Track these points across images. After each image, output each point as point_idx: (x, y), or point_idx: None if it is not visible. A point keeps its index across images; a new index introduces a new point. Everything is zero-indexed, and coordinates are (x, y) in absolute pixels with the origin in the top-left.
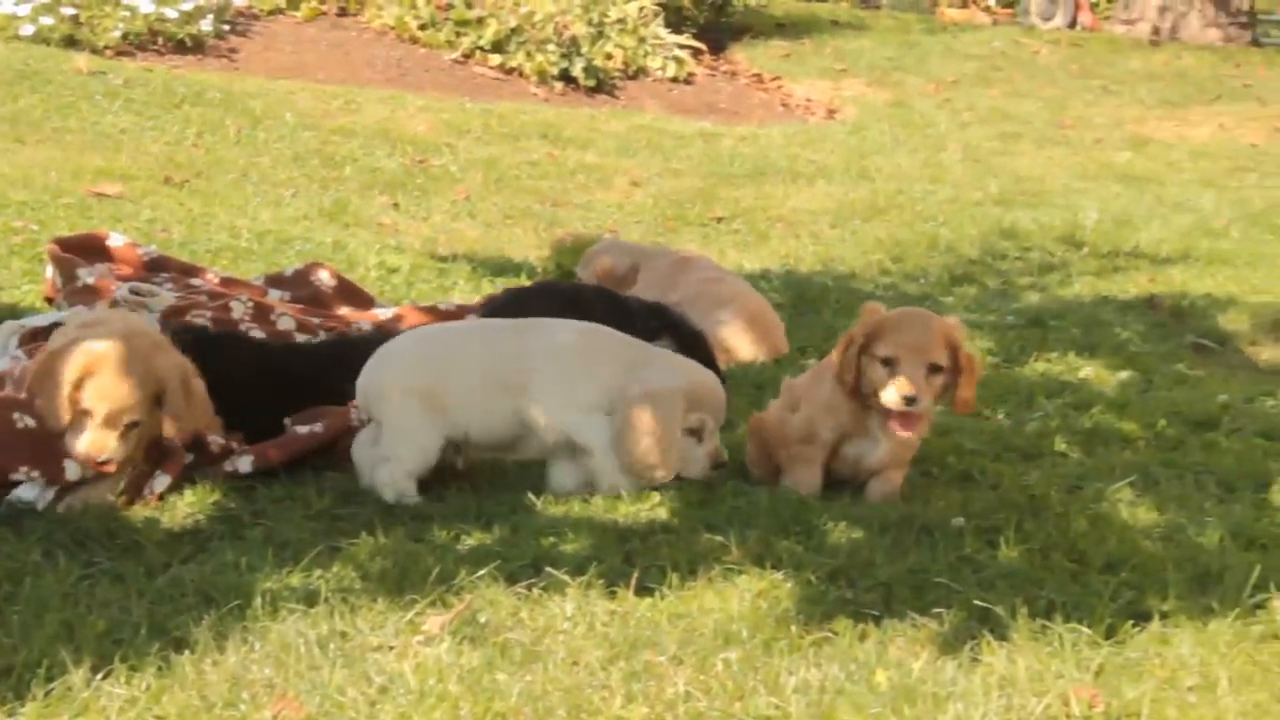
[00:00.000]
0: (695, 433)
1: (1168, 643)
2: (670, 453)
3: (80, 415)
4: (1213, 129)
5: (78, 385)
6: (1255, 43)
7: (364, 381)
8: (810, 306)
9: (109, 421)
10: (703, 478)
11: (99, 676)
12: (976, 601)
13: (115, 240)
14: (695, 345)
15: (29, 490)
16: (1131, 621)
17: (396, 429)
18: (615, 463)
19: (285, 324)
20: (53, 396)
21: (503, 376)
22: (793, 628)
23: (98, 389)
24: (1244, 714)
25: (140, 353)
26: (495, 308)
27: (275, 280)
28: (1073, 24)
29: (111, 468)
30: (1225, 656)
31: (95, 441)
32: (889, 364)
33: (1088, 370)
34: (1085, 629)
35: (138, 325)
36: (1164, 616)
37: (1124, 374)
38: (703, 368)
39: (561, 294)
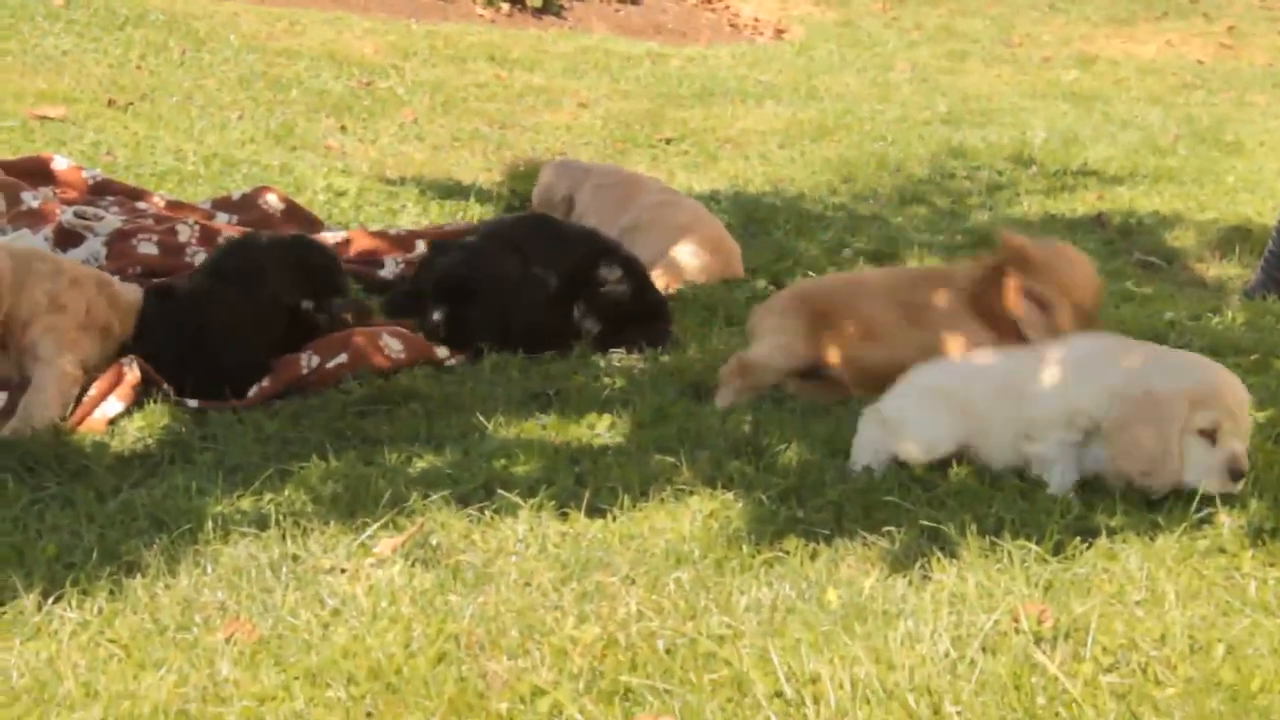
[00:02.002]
0: (1208, 435)
1: (1115, 558)
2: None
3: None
4: (1159, 45)
5: None
6: None
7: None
8: (760, 227)
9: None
10: (1220, 490)
11: (50, 601)
12: (926, 520)
13: (59, 163)
14: (631, 271)
15: None
16: (1079, 538)
17: None
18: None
19: None
20: None
21: None
22: (744, 547)
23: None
24: (1190, 627)
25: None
26: (442, 254)
27: (222, 204)
28: None
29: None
30: (1171, 571)
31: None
32: None
33: None
34: (1034, 546)
35: None
36: (1111, 533)
37: None
38: (1213, 365)
39: (501, 234)
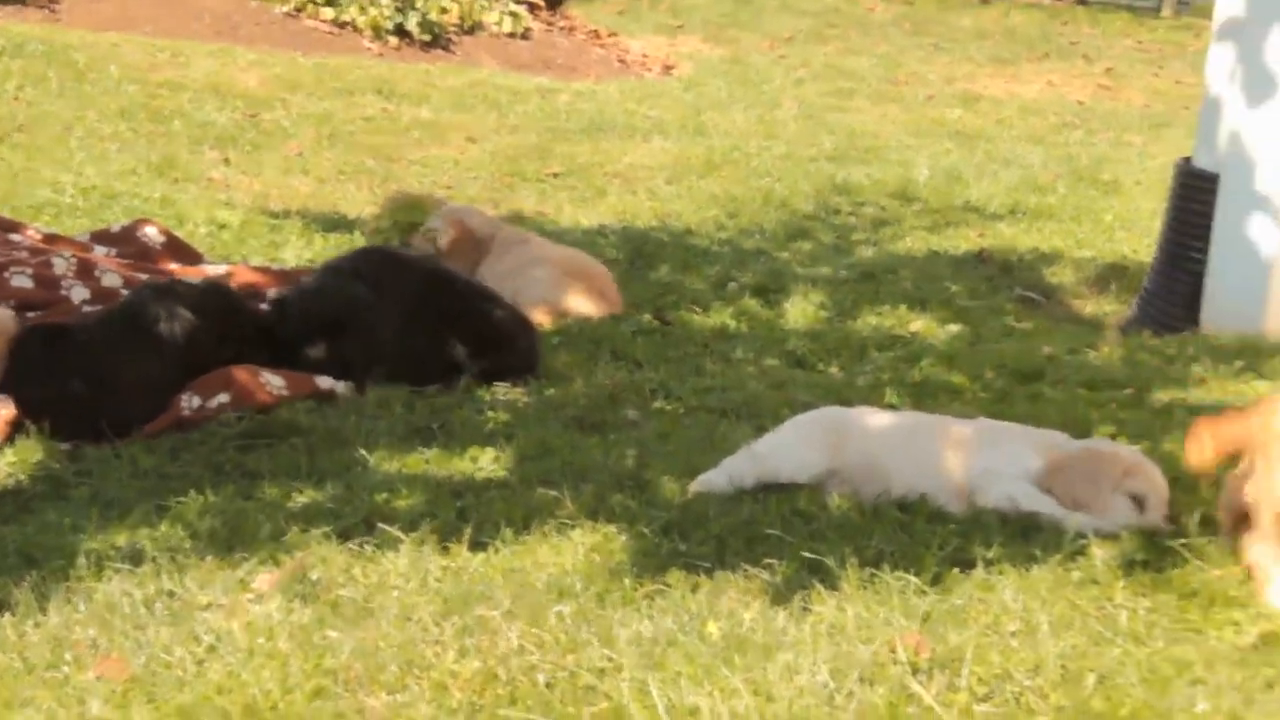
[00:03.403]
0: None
1: (991, 589)
2: None
3: None
4: (1041, 86)
5: None
6: (1082, 2)
7: None
8: (647, 262)
9: None
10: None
11: None
12: (807, 553)
13: None
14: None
15: None
16: (957, 569)
17: None
18: None
19: (110, 280)
20: None
21: None
22: (626, 580)
23: None
24: (1063, 656)
25: None
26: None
27: (101, 236)
28: None
29: None
30: (1046, 602)
31: None
32: None
33: (918, 324)
34: (912, 577)
35: None
36: (988, 564)
37: (954, 327)
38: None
39: (345, 268)
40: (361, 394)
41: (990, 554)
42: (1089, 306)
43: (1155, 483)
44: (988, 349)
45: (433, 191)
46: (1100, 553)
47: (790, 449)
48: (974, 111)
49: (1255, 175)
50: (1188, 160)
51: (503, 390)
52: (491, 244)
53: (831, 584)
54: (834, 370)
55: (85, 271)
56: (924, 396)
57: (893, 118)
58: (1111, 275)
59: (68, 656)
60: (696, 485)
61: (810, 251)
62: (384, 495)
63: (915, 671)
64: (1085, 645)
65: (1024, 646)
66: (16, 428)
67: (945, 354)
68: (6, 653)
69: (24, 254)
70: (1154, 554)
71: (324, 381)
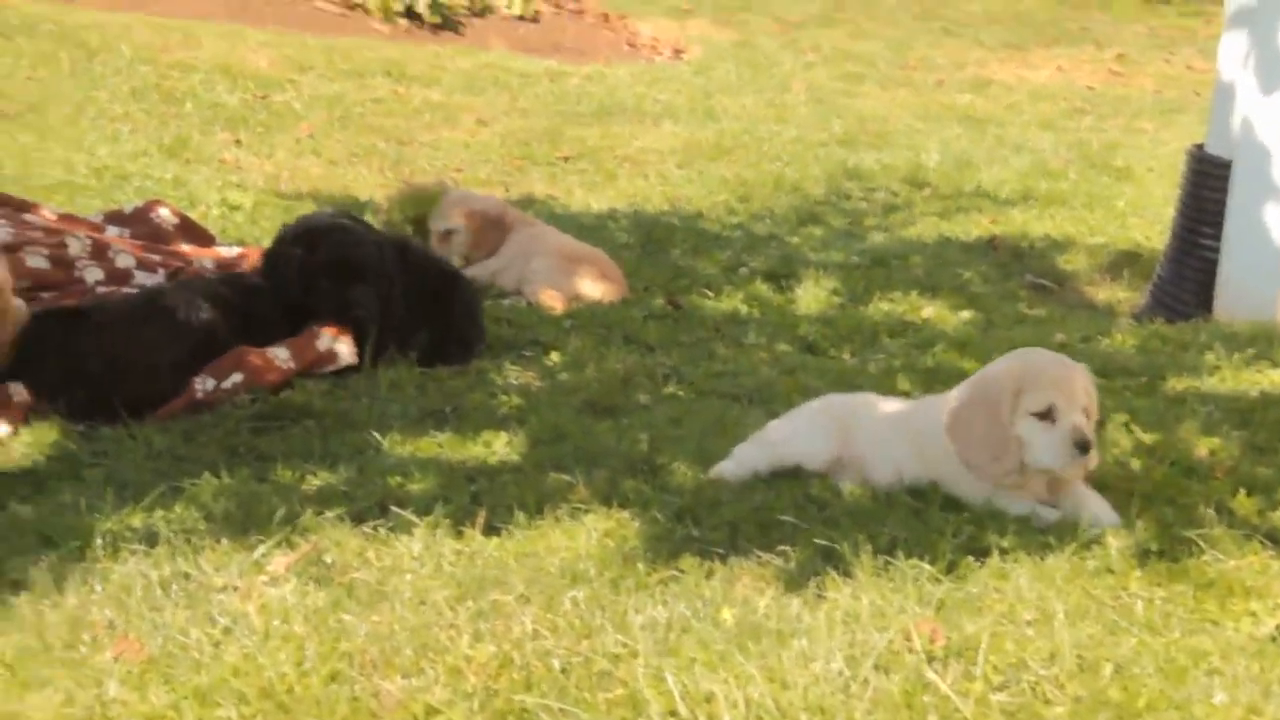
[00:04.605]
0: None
1: (1006, 578)
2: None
3: None
4: (1051, 71)
5: None
6: None
7: None
8: (658, 246)
9: None
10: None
11: None
12: (821, 539)
13: None
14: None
15: None
16: (971, 557)
17: None
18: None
19: (124, 261)
20: None
21: None
22: (640, 566)
23: None
24: (1079, 646)
25: None
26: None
27: (114, 217)
28: None
29: None
30: (1061, 591)
31: None
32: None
33: (930, 310)
34: (927, 565)
35: None
36: (1003, 552)
37: (965, 313)
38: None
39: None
40: (362, 360)
41: (1005, 542)
42: (1101, 293)
43: None
44: (1000, 335)
45: (443, 174)
46: (1115, 542)
47: (799, 436)
48: (984, 96)
49: (1269, 162)
50: (1200, 147)
51: (515, 373)
52: (508, 223)
53: (846, 571)
54: (845, 356)
55: (99, 252)
56: (936, 383)
57: (902, 102)
58: (1124, 262)
59: (85, 637)
60: (712, 475)
61: (821, 237)
62: (397, 478)
63: (930, 660)
64: (1101, 635)
65: (1040, 636)
66: (32, 409)
67: (957, 340)
68: (24, 633)
69: (39, 234)
70: (1169, 544)
71: (323, 343)
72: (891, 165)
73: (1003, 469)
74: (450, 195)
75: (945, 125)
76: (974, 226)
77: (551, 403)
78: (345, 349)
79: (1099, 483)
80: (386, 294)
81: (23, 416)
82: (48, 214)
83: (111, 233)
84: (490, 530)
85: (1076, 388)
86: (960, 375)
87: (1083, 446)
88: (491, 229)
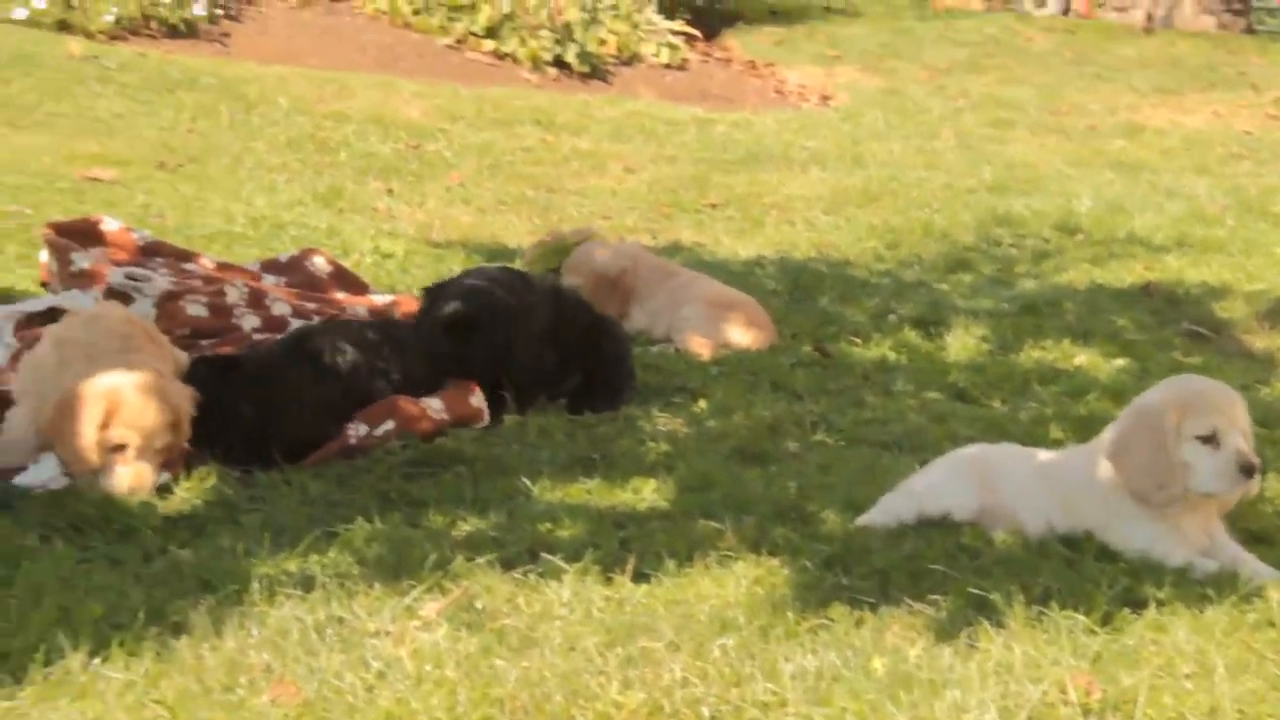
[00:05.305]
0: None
1: (1164, 630)
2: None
3: (112, 452)
4: (1207, 116)
5: (105, 424)
6: (1249, 30)
7: None
8: (806, 293)
9: (143, 452)
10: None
11: (97, 660)
12: (972, 589)
13: (110, 225)
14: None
15: (37, 474)
16: (1127, 609)
17: None
18: None
19: (280, 309)
20: (77, 440)
21: None
22: (789, 614)
23: (128, 422)
24: (1239, 701)
25: (155, 383)
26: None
27: (271, 265)
28: (1066, 10)
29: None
30: (1221, 644)
31: (137, 475)
32: None
33: (1082, 358)
34: (1081, 616)
35: (142, 361)
36: (1160, 604)
37: (1119, 361)
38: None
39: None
40: (501, 409)
41: (1162, 594)
42: (1260, 341)
43: None
44: (1155, 384)
45: (590, 222)
46: (1276, 595)
47: (943, 487)
48: (1137, 142)
49: None
50: None
51: (663, 420)
52: (628, 282)
53: (998, 621)
54: (996, 404)
55: (256, 300)
56: (1089, 432)
57: (1053, 148)
58: None
59: (243, 680)
60: (858, 525)
61: (971, 283)
62: (547, 525)
63: (1086, 713)
64: (1264, 689)
65: (1199, 689)
66: (190, 456)
67: (1111, 389)
68: (184, 675)
69: (199, 283)
70: None
71: (476, 400)
72: (1042, 211)
73: (1168, 495)
74: (578, 251)
75: (1097, 171)
76: (1127, 273)
77: (700, 450)
78: (486, 407)
79: (1259, 534)
80: (507, 345)
81: (182, 463)
82: (207, 263)
83: (268, 281)
84: (639, 577)
85: (1237, 412)
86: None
87: (1248, 470)
88: (608, 290)
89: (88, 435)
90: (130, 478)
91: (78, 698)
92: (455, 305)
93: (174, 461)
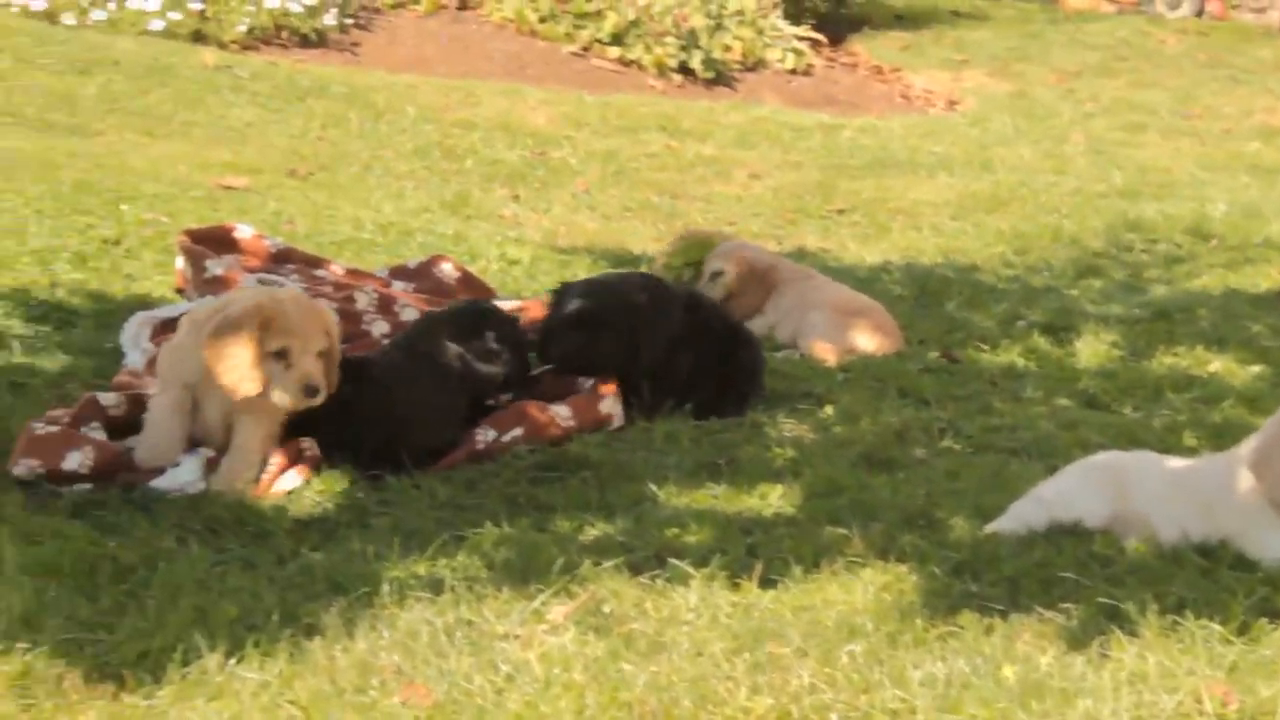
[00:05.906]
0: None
1: None
2: None
3: (275, 361)
4: None
5: (263, 336)
6: None
7: None
8: (933, 299)
9: (303, 356)
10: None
11: (232, 661)
12: (1104, 598)
13: (243, 232)
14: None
15: (175, 477)
16: (1265, 619)
17: None
18: None
19: (409, 315)
20: (240, 358)
21: None
22: (917, 621)
23: (284, 328)
24: None
25: (301, 295)
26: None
27: (399, 272)
28: (1200, 13)
29: (321, 398)
30: None
31: (306, 372)
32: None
33: (1217, 364)
34: (1217, 626)
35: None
36: None
37: (1255, 368)
38: None
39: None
40: (637, 413)
41: None
42: None
43: None
44: None
45: (719, 228)
46: None
47: (1073, 495)
48: (1272, 145)
49: None
50: None
51: (789, 426)
52: (775, 277)
53: (1131, 630)
54: (1127, 411)
55: (385, 306)
56: (1224, 439)
57: (1186, 152)
58: None
59: (374, 682)
60: (987, 532)
61: (1101, 289)
62: (674, 530)
63: None
64: None
65: None
66: (322, 460)
67: (1247, 396)
68: (317, 676)
69: (329, 289)
70: None
71: (605, 405)
72: (1175, 216)
73: None
74: (726, 243)
75: (1232, 175)
76: (1263, 278)
77: (826, 455)
78: (619, 410)
79: None
80: (634, 345)
81: (314, 467)
82: (337, 269)
83: (397, 287)
84: (766, 583)
85: None
86: (1251, 432)
87: None
88: (756, 281)
89: (248, 351)
90: (301, 376)
91: (214, 698)
92: (581, 300)
93: (308, 459)
